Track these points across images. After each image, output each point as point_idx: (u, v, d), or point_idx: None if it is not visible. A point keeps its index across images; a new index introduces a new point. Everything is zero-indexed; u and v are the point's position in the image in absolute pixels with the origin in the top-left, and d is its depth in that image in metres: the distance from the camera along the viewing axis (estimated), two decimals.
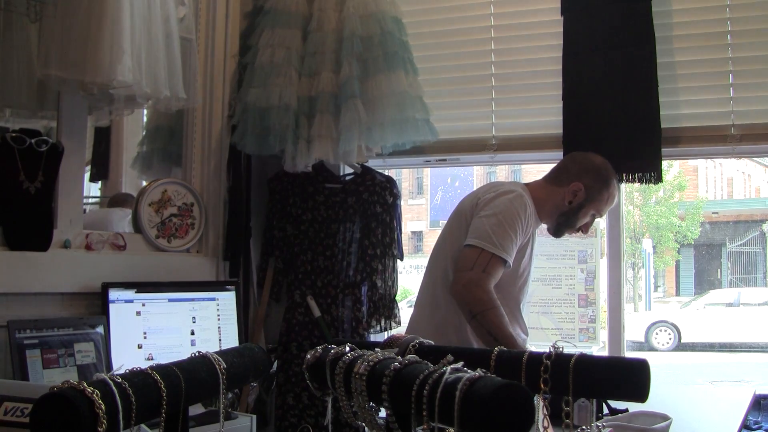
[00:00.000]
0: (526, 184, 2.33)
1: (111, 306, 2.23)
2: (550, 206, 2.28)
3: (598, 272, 3.25)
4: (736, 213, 15.20)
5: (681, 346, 11.29)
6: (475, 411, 0.85)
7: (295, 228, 2.78)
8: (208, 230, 2.72)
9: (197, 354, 1.16)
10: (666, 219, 13.78)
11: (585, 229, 2.34)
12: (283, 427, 2.69)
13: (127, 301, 2.28)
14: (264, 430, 2.66)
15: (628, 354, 3.44)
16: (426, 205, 17.96)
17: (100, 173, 3.22)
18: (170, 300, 2.38)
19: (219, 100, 2.77)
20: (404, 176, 16.24)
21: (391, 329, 2.74)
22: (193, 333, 2.41)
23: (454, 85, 2.82)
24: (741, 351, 10.74)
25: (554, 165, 2.40)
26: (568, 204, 2.26)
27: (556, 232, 2.33)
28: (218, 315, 2.49)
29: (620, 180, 2.44)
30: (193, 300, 2.44)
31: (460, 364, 0.93)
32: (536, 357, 1.19)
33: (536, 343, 3.17)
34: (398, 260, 2.77)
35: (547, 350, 1.19)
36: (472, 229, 2.16)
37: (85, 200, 2.83)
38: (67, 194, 2.26)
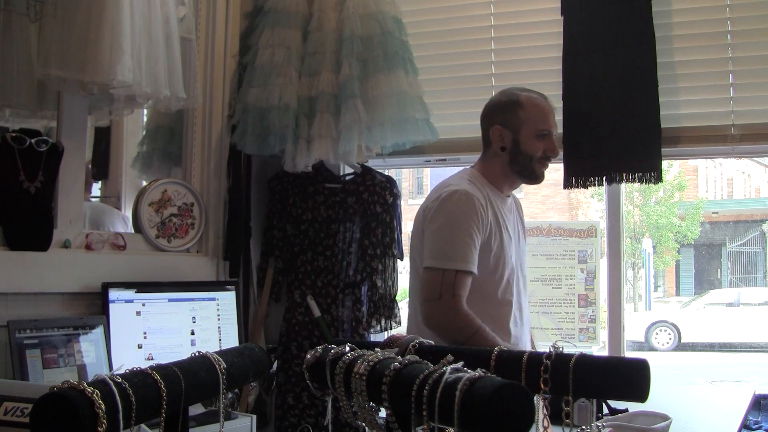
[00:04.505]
0: (473, 166, 2.22)
1: (111, 306, 2.23)
2: (500, 169, 2.15)
3: (598, 272, 3.25)
4: (736, 213, 15.18)
5: (681, 346, 11.28)
6: (475, 411, 0.85)
7: (295, 228, 2.78)
8: (208, 230, 2.72)
9: (197, 354, 1.16)
10: (666, 219, 13.76)
11: (551, 152, 2.14)
12: (283, 427, 2.69)
13: (127, 301, 2.28)
14: (264, 430, 2.66)
15: (628, 354, 3.44)
16: None
17: (100, 173, 3.22)
18: (170, 300, 2.39)
19: (219, 100, 2.77)
20: (404, 176, 16.20)
21: (391, 329, 2.73)
22: (193, 333, 2.41)
23: (454, 85, 2.82)
24: (741, 351, 10.74)
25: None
26: (503, 150, 2.12)
27: (530, 178, 2.17)
28: (218, 315, 2.49)
29: (620, 180, 2.44)
30: (193, 300, 2.44)
31: (460, 364, 0.93)
32: (536, 357, 1.19)
33: (536, 343, 3.17)
34: (398, 260, 2.77)
35: (547, 350, 1.19)
36: (427, 248, 2.02)
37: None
38: (67, 194, 2.26)
